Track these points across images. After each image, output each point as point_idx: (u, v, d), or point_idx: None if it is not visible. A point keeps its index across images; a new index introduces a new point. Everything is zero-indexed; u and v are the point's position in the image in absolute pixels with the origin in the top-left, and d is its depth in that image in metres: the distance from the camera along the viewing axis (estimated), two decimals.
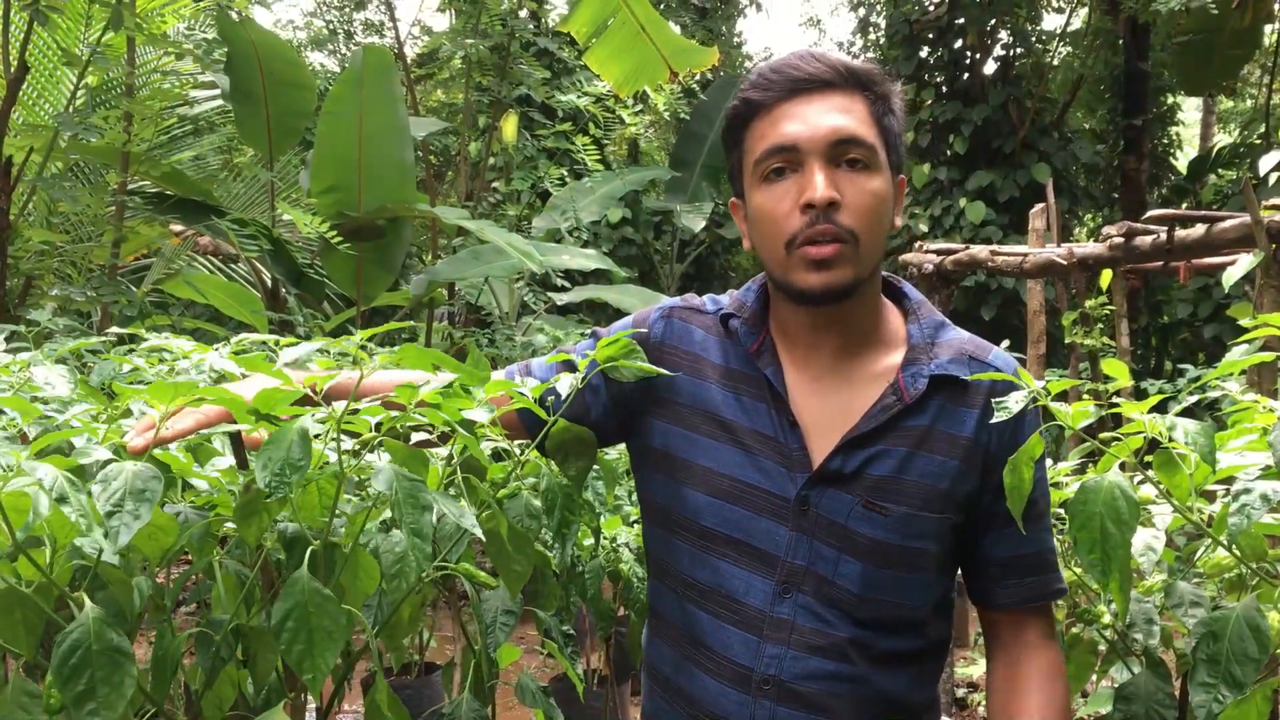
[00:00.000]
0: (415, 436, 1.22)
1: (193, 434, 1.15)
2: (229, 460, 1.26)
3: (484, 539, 1.22)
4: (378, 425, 1.15)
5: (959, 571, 1.40)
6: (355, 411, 1.12)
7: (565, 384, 1.28)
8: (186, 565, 1.24)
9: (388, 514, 1.20)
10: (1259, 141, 10.93)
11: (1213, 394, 1.48)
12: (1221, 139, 14.49)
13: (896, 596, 1.29)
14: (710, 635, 1.32)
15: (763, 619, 1.29)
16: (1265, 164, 3.59)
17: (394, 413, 1.15)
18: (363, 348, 1.20)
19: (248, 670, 1.22)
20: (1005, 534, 1.30)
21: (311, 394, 1.13)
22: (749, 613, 1.29)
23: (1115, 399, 1.26)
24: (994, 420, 1.22)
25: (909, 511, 1.27)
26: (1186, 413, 1.32)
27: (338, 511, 1.18)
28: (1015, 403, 1.19)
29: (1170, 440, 1.24)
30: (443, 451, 1.32)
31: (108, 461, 1.01)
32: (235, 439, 1.23)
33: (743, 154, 1.32)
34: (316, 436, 1.11)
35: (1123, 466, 1.27)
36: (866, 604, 1.28)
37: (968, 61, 11.40)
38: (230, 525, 1.21)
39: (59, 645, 0.94)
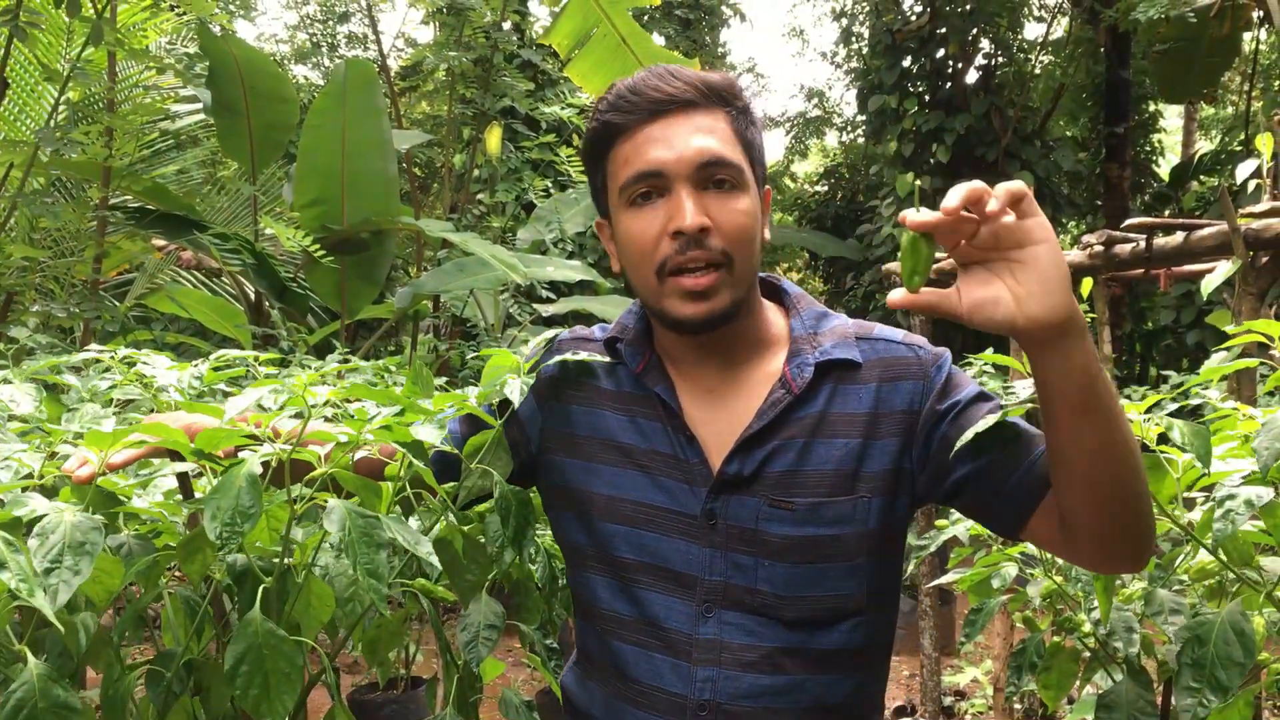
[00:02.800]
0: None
1: (139, 460, 1.12)
2: (171, 482, 1.23)
3: (439, 564, 1.19)
4: (327, 456, 1.13)
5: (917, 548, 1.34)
6: (302, 444, 1.10)
7: (515, 387, 1.25)
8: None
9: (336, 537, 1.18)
10: (1240, 148, 11.00)
11: (1195, 401, 1.49)
12: (1203, 146, 14.58)
13: (823, 589, 1.24)
14: (638, 668, 1.29)
15: (690, 642, 1.25)
16: (1242, 171, 3.60)
17: (342, 437, 1.13)
18: (344, 360, 1.19)
19: (200, 702, 1.19)
20: (969, 451, 1.21)
21: (256, 431, 1.11)
22: (674, 638, 1.26)
23: None
24: (947, 396, 1.23)
25: (815, 500, 1.23)
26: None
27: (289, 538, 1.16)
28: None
29: (1160, 445, 1.25)
30: None
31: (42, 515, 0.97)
32: (181, 474, 1.20)
33: (605, 177, 1.30)
34: (265, 462, 1.08)
35: None
36: (793, 603, 1.24)
37: (950, 71, 11.44)
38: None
39: (4, 704, 0.91)
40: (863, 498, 1.24)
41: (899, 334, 1.31)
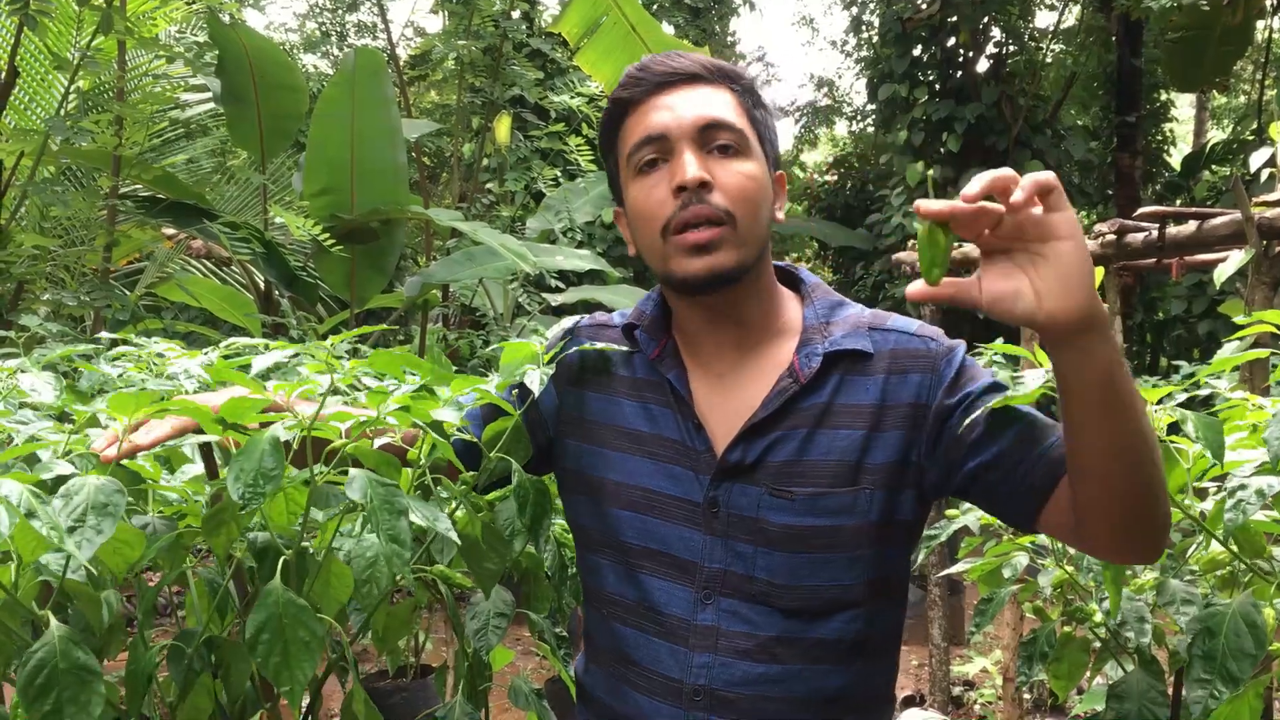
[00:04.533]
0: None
1: (167, 441, 1.13)
2: (199, 467, 1.24)
3: (459, 540, 1.20)
4: (347, 431, 1.13)
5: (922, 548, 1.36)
6: (321, 420, 1.10)
7: (535, 377, 1.25)
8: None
9: (357, 524, 1.19)
10: (1252, 137, 10.94)
11: (1205, 391, 1.48)
12: (1215, 135, 14.51)
13: (821, 579, 1.24)
14: (638, 651, 1.31)
15: (687, 628, 1.26)
16: (1256, 160, 3.59)
17: (362, 416, 1.13)
18: (354, 351, 1.19)
19: (221, 680, 1.20)
20: (980, 443, 1.21)
21: (281, 402, 1.12)
22: (673, 623, 1.27)
23: None
24: (957, 389, 1.23)
25: (816, 491, 1.24)
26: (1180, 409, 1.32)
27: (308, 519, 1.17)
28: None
29: (1170, 435, 1.25)
30: None
31: (68, 476, 0.98)
32: (205, 449, 1.21)
33: (618, 156, 1.32)
34: (286, 443, 1.09)
35: None
36: (791, 592, 1.24)
37: (960, 59, 11.39)
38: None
39: (24, 664, 0.92)
40: (865, 489, 1.24)
41: (914, 324, 1.31)
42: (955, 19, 11.08)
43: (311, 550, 1.19)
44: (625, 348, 1.37)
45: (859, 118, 14.94)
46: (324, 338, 5.29)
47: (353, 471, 1.07)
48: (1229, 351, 1.46)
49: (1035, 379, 1.21)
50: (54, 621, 0.95)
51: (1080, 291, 0.96)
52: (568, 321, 1.44)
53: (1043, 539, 1.67)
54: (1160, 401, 1.27)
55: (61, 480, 0.97)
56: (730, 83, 1.29)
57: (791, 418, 1.26)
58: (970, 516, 1.74)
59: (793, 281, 1.40)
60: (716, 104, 1.26)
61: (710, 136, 1.24)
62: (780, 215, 1.32)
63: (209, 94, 5.53)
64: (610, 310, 1.54)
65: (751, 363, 1.32)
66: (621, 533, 1.32)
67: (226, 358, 1.61)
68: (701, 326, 1.33)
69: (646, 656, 1.30)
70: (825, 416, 1.26)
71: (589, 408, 1.38)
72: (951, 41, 11.29)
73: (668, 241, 1.24)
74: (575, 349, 1.37)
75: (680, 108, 1.25)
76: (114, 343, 1.73)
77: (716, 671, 1.25)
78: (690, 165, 1.22)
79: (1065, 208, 0.96)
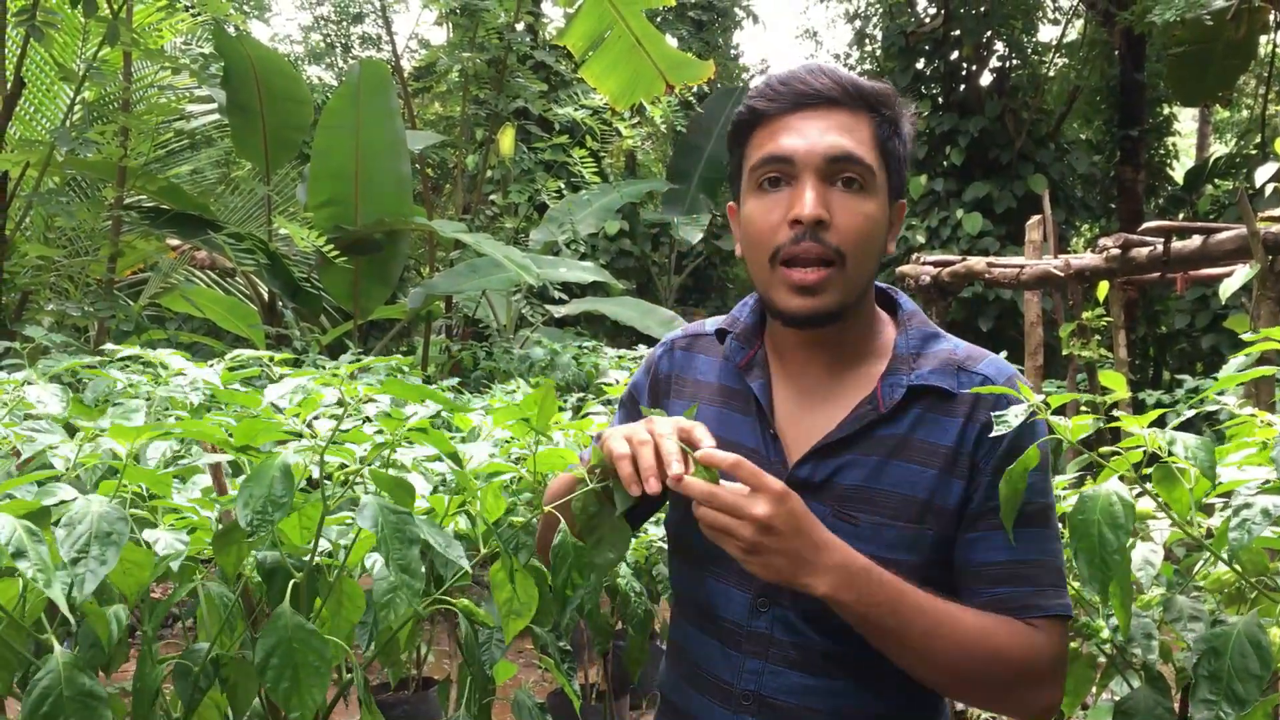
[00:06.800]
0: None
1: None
2: (207, 480, 1.23)
3: (468, 565, 1.19)
4: (363, 458, 1.12)
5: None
6: (339, 443, 1.09)
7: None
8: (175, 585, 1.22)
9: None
10: (1255, 152, 10.95)
11: (1211, 406, 1.47)
12: (1218, 149, 14.52)
13: None
14: (697, 651, 1.33)
15: (741, 633, 1.28)
16: (1261, 175, 3.59)
17: (379, 439, 1.12)
18: (357, 360, 1.18)
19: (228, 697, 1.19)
20: (982, 539, 1.23)
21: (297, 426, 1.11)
22: (728, 627, 1.29)
23: (1114, 412, 1.25)
24: (992, 435, 1.20)
25: (880, 521, 1.23)
26: (1185, 425, 1.31)
27: (323, 537, 1.16)
28: (1015, 416, 1.16)
29: (1170, 455, 1.24)
30: None
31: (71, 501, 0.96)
32: (214, 467, 1.20)
33: (742, 159, 1.31)
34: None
35: (1122, 480, 1.26)
36: None
37: (964, 73, 11.43)
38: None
39: (29, 692, 0.91)
40: (927, 530, 1.24)
41: (1007, 371, 1.29)
42: (958, 33, 11.12)
43: (324, 568, 1.18)
44: (717, 354, 1.40)
45: None
46: (327, 349, 5.31)
47: (364, 498, 1.06)
48: (1234, 368, 1.45)
49: (1017, 415, 1.20)
50: (57, 646, 0.94)
51: (777, 575, 1.13)
52: (666, 338, 1.48)
53: None
54: (1154, 425, 1.26)
55: (65, 505, 0.95)
56: (871, 110, 1.26)
57: (866, 443, 1.26)
58: None
59: (890, 304, 1.39)
60: (849, 135, 1.23)
61: (836, 169, 1.22)
62: (892, 247, 1.32)
63: (214, 105, 5.56)
64: (612, 320, 1.57)
65: (838, 382, 1.32)
66: (692, 535, 1.30)
67: (232, 369, 1.61)
68: (796, 346, 1.34)
69: (702, 656, 1.33)
70: (901, 449, 1.25)
71: (674, 414, 1.36)
72: (955, 55, 11.32)
73: (775, 270, 1.24)
74: (662, 359, 1.43)
75: (811, 134, 1.23)
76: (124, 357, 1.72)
77: (766, 679, 1.27)
78: (809, 200, 1.20)
79: (765, 551, 1.12)
